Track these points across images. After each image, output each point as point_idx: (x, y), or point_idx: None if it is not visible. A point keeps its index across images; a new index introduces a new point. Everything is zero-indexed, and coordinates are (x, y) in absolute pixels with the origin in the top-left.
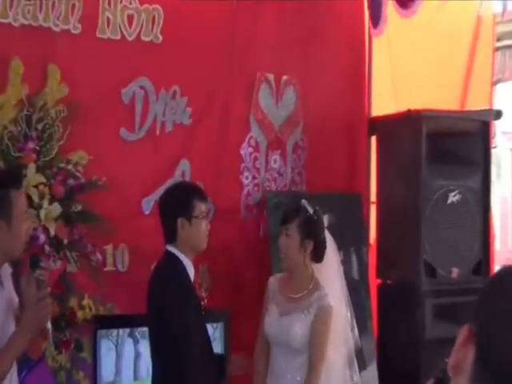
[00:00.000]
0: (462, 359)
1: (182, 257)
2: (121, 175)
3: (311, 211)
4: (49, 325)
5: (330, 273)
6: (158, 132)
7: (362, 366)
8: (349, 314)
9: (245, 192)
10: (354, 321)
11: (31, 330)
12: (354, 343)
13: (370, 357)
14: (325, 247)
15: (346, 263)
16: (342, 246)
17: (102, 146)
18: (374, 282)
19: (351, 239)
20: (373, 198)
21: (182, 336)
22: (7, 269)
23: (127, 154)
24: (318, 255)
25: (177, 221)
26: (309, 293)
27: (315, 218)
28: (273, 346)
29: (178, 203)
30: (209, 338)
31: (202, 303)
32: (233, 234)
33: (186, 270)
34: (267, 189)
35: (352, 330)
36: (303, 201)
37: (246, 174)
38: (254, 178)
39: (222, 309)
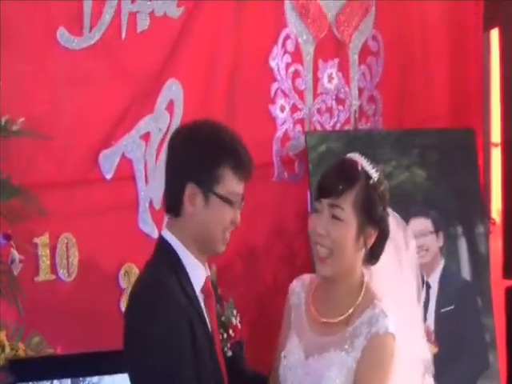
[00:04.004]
0: None
1: (183, 252)
2: (56, 112)
3: (375, 176)
4: None
5: (393, 277)
6: (123, 33)
7: None
8: (428, 354)
9: (279, 134)
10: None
11: None
12: None
13: None
14: (387, 238)
15: (447, 253)
16: (440, 224)
17: (22, 61)
18: (498, 284)
19: (457, 212)
20: (495, 136)
21: None
22: None
23: (70, 72)
24: (377, 252)
25: (185, 186)
26: (355, 312)
27: (381, 187)
28: None
29: (191, 158)
30: None
31: (230, 339)
32: (258, 208)
33: (184, 271)
34: (317, 128)
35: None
36: (357, 156)
37: (280, 102)
38: (294, 108)
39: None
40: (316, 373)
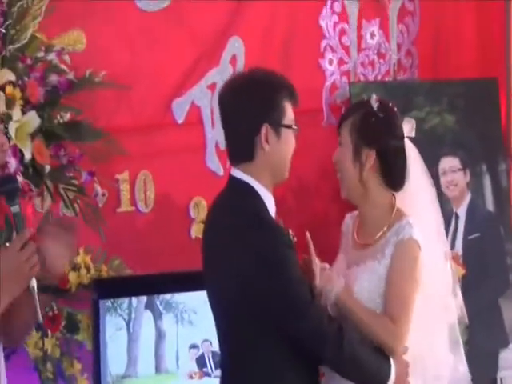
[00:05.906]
0: None
1: (258, 187)
2: (135, 66)
3: (375, 105)
4: (33, 282)
5: (417, 204)
6: None
7: (503, 342)
8: (448, 267)
9: (328, 84)
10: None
11: (8, 289)
12: (457, 312)
13: None
14: (402, 165)
15: (473, 188)
16: (467, 162)
17: (101, 21)
18: None
19: (482, 151)
20: None
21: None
22: None
23: (144, 31)
24: (393, 177)
25: (259, 129)
26: (388, 230)
27: (380, 115)
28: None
29: (259, 101)
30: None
31: None
32: (309, 150)
33: (265, 206)
34: (361, 79)
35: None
36: (373, 95)
37: (329, 56)
38: (341, 62)
39: None
40: (352, 279)
